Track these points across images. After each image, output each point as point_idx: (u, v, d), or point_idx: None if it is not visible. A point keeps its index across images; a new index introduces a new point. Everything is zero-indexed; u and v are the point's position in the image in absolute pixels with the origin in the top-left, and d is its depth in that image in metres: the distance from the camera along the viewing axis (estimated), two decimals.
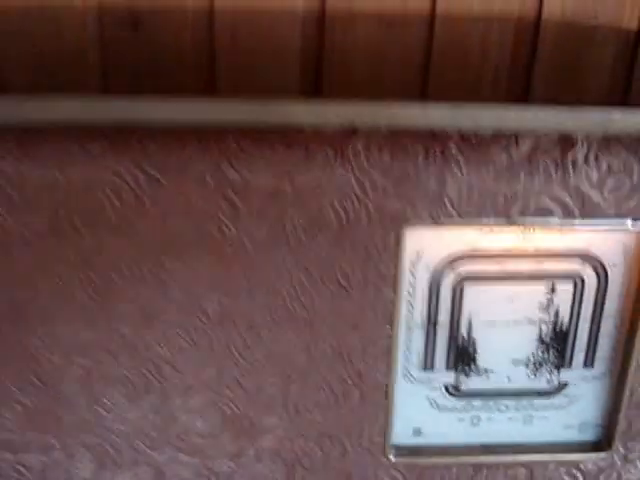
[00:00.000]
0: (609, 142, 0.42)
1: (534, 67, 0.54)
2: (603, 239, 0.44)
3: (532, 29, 0.57)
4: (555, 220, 0.42)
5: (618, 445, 0.48)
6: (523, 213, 0.42)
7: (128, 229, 0.41)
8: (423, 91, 0.50)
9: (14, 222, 0.41)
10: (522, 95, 0.53)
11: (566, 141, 0.42)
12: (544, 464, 0.49)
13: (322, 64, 0.53)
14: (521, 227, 0.43)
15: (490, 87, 0.52)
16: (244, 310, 0.43)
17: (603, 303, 0.46)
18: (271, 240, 0.42)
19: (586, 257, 0.45)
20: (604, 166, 0.42)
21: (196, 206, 0.41)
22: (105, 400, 0.45)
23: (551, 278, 0.45)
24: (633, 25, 0.59)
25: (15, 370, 0.44)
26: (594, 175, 0.42)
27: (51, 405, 0.46)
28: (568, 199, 0.42)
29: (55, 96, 0.40)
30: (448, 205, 0.42)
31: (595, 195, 0.42)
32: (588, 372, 0.47)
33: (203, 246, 0.41)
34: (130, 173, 0.40)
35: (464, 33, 0.55)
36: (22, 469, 0.47)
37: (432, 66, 0.52)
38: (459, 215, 0.42)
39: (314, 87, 0.53)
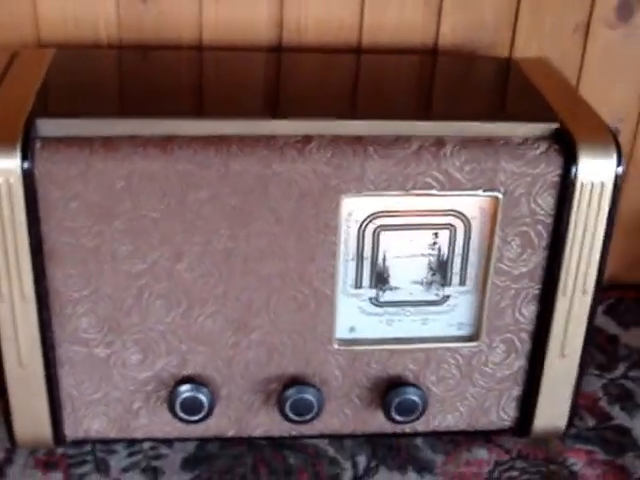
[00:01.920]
0: (466, 142, 0.73)
1: (433, 86, 0.86)
2: (467, 202, 0.75)
3: (431, 58, 0.89)
4: (434, 191, 0.74)
5: (484, 337, 0.80)
6: (414, 187, 0.73)
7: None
8: (353, 106, 0.81)
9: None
10: (425, 107, 0.84)
11: (439, 142, 0.73)
12: (435, 350, 0.80)
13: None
14: (414, 195, 0.74)
15: (401, 102, 0.83)
16: (241, 251, 0.74)
17: (469, 242, 0.77)
18: (257, 207, 0.72)
19: (456, 213, 0.76)
20: (462, 157, 0.73)
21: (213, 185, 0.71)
22: (151, 310, 0.76)
23: (435, 227, 0.76)
24: (505, 53, 0.90)
25: (93, 291, 0.75)
26: (457, 163, 0.73)
27: (115, 314, 0.76)
28: (441, 177, 0.73)
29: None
30: (368, 183, 0.73)
31: (458, 175, 0.73)
32: (462, 288, 0.79)
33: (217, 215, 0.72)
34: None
35: (383, 61, 0.87)
36: (92, 359, 0.78)
37: (359, 87, 0.84)
38: (375, 189, 0.73)
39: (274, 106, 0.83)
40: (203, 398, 0.78)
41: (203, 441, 0.84)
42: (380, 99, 0.82)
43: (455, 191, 0.74)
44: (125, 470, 0.82)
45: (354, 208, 0.74)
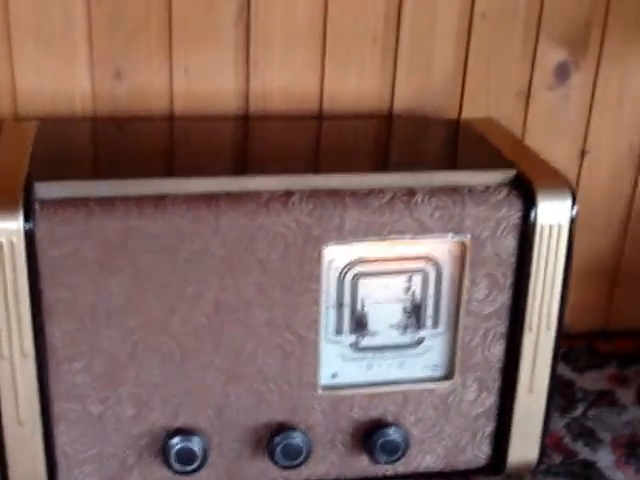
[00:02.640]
0: (434, 190, 0.83)
1: (394, 145, 0.96)
2: (437, 247, 0.84)
3: (387, 121, 0.99)
4: (407, 237, 0.82)
5: (457, 376, 0.88)
6: (389, 234, 0.82)
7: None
8: (323, 163, 0.90)
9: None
10: (390, 163, 0.93)
11: (410, 192, 0.82)
12: (412, 391, 0.88)
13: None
14: (388, 242, 0.83)
15: (366, 159, 0.92)
16: (231, 302, 0.81)
17: (440, 285, 0.86)
18: (245, 258, 0.80)
19: (428, 259, 0.84)
20: (432, 205, 0.82)
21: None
22: (145, 364, 0.82)
23: (408, 272, 0.85)
24: (454, 115, 1.01)
25: (91, 347, 0.81)
26: (427, 210, 0.82)
27: (111, 369, 0.82)
28: (413, 224, 0.82)
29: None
30: (347, 232, 0.81)
31: (428, 221, 0.82)
32: (435, 330, 0.87)
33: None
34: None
35: (344, 125, 0.97)
36: (87, 415, 0.83)
37: (325, 148, 0.93)
38: (354, 237, 0.81)
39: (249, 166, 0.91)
40: (196, 448, 0.84)
41: None
42: (346, 157, 0.91)
43: (426, 236, 0.83)
44: None
45: (334, 257, 0.82)
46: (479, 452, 0.91)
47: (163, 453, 0.84)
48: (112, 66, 0.94)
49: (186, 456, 0.84)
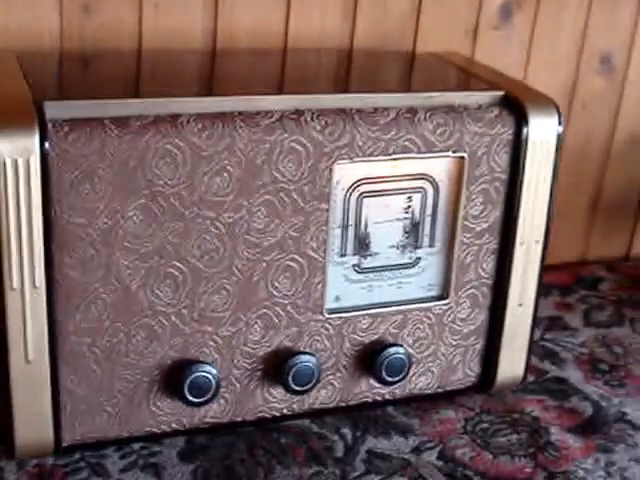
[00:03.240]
0: (434, 109, 0.86)
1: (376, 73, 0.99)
2: (435, 165, 0.88)
3: (347, 56, 1.02)
4: (412, 153, 0.86)
5: (452, 295, 0.92)
6: (395, 152, 0.85)
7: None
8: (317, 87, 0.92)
9: None
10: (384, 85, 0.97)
11: (412, 110, 0.86)
12: (410, 312, 0.91)
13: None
14: (393, 161, 0.86)
15: (361, 82, 0.95)
16: (245, 223, 0.81)
17: (437, 204, 0.90)
18: (259, 177, 0.80)
19: (426, 177, 0.88)
20: (434, 121, 0.86)
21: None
22: (157, 291, 0.81)
23: (409, 191, 0.88)
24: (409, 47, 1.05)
25: (103, 276, 0.79)
26: (430, 126, 0.86)
27: (123, 299, 0.80)
28: (418, 141, 0.86)
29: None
30: (357, 149, 0.83)
31: (432, 138, 0.86)
32: (431, 250, 0.91)
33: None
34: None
35: (306, 59, 0.99)
36: (96, 350, 0.81)
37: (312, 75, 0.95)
38: (363, 155, 0.84)
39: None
40: (210, 377, 0.83)
41: (189, 436, 0.89)
42: (341, 81, 0.94)
43: (429, 153, 0.86)
44: (124, 470, 0.84)
45: (342, 176, 0.85)
46: (469, 371, 0.96)
47: (175, 385, 0.83)
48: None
49: (199, 386, 0.83)
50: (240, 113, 0.80)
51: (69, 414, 0.82)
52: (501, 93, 0.90)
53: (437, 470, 0.88)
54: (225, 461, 0.87)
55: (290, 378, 0.86)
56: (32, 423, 0.80)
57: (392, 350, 0.89)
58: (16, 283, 0.76)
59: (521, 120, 0.88)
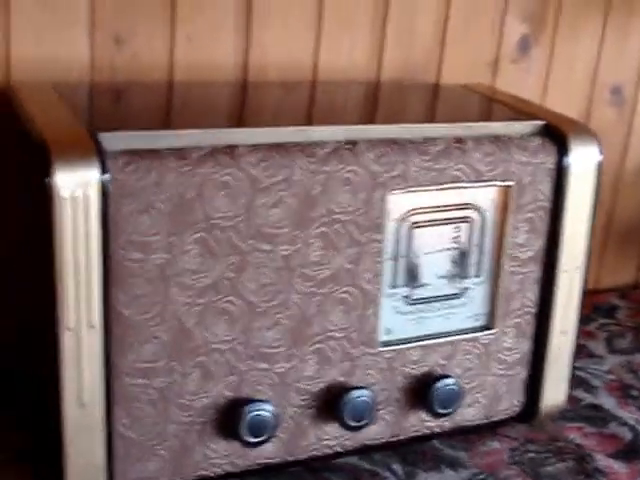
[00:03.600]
0: (480, 139, 0.81)
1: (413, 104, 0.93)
2: (483, 195, 0.82)
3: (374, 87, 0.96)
4: (463, 183, 0.80)
5: (498, 324, 0.86)
6: (445, 181, 0.79)
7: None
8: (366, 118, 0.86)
9: None
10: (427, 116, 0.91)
11: (460, 140, 0.80)
12: (459, 341, 0.84)
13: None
14: (443, 190, 0.79)
15: (403, 113, 0.89)
16: (300, 256, 0.74)
17: (483, 233, 0.83)
18: (315, 208, 0.74)
19: (474, 206, 0.82)
20: (482, 151, 0.80)
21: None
22: (213, 328, 0.73)
23: (457, 221, 0.82)
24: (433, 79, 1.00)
25: (158, 313, 0.71)
26: (478, 155, 0.80)
27: (178, 336, 0.72)
28: (467, 170, 0.79)
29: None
30: (410, 179, 0.77)
31: (481, 167, 0.80)
32: (477, 280, 0.84)
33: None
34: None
35: (333, 91, 0.93)
36: (151, 391, 0.73)
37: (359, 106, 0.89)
38: (415, 185, 0.77)
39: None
40: (268, 416, 0.76)
41: (241, 478, 0.81)
42: (383, 113, 0.87)
43: (479, 182, 0.80)
44: None
45: (393, 207, 0.78)
46: (514, 400, 0.89)
47: (232, 425, 0.75)
48: (112, 31, 0.84)
49: (257, 426, 0.75)
50: (296, 144, 0.74)
51: (121, 460, 0.73)
52: (542, 123, 0.85)
53: None
54: None
55: (346, 414, 0.78)
56: (84, 470, 0.72)
57: (444, 382, 0.82)
58: (72, 323, 0.68)
59: (563, 149, 0.83)
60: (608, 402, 0.97)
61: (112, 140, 0.68)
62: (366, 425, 0.80)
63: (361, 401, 0.79)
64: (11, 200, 0.84)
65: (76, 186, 0.65)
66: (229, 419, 0.75)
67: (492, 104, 0.93)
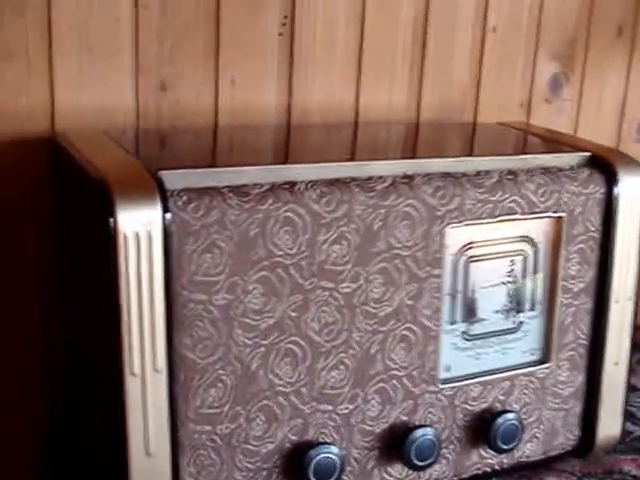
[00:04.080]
0: (531, 171, 0.74)
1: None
2: (535, 227, 0.75)
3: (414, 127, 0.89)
4: (517, 215, 0.72)
5: (553, 359, 0.78)
6: (501, 214, 0.72)
7: None
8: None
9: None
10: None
11: (512, 172, 0.73)
12: (516, 377, 0.76)
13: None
14: (499, 222, 0.72)
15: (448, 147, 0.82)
16: (362, 293, 0.67)
17: (537, 266, 0.76)
18: (376, 243, 0.66)
19: (527, 239, 0.75)
20: (535, 182, 0.73)
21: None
22: (277, 370, 0.65)
23: (511, 255, 0.75)
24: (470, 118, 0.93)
25: (223, 355, 0.63)
26: (531, 187, 0.73)
27: (242, 380, 0.64)
28: (522, 201, 0.72)
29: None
30: (466, 212, 0.70)
31: (534, 198, 0.73)
32: (532, 313, 0.77)
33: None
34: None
35: (375, 131, 0.86)
36: (216, 438, 0.64)
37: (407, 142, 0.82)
38: (472, 217, 0.70)
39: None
40: (335, 459, 0.67)
41: None
42: (435, 148, 0.81)
43: (532, 214, 0.73)
44: None
45: (452, 240, 0.71)
46: (570, 434, 0.80)
47: (299, 469, 0.66)
48: (157, 77, 0.78)
49: (325, 469, 0.67)
50: (353, 179, 0.67)
51: None
52: (588, 154, 0.78)
53: None
54: None
55: (412, 453, 0.70)
56: None
57: (505, 417, 0.74)
58: (137, 367, 0.59)
59: (612, 179, 0.76)
60: None
61: (172, 178, 0.61)
62: (431, 464, 0.71)
63: (426, 439, 0.70)
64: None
65: (139, 225, 0.57)
66: (295, 464, 0.67)
67: (533, 138, 0.86)
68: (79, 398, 0.75)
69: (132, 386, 0.59)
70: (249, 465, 0.65)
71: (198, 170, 0.62)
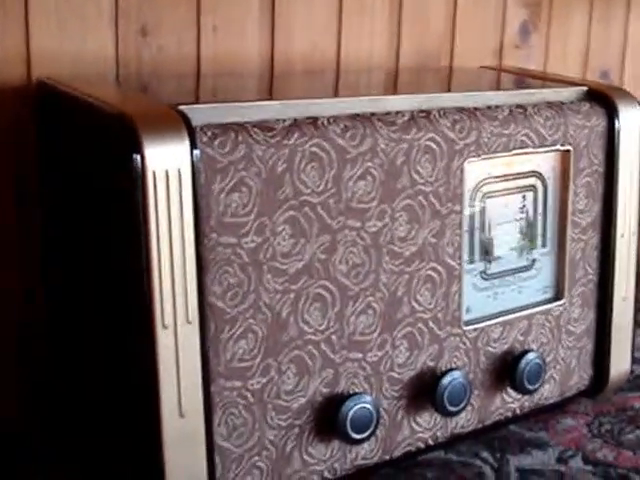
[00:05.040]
0: (538, 105, 0.73)
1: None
2: (544, 162, 0.73)
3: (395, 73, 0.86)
4: (529, 148, 0.71)
5: (565, 296, 0.77)
6: (514, 147, 0.70)
7: None
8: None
9: None
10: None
11: (520, 106, 0.71)
12: (533, 316, 0.75)
13: None
14: (510, 158, 0.71)
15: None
16: (388, 232, 0.64)
17: (546, 201, 0.75)
18: (400, 179, 0.64)
19: (537, 174, 0.74)
20: (543, 115, 0.71)
21: None
22: (307, 317, 0.62)
23: (523, 190, 0.73)
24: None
25: (253, 303, 0.59)
26: (541, 120, 0.71)
27: (273, 329, 0.60)
28: (532, 135, 0.71)
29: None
30: (483, 145, 0.68)
31: (543, 131, 0.72)
32: (544, 250, 0.76)
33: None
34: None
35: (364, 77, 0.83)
36: (247, 394, 0.60)
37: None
38: (488, 151, 0.68)
39: None
40: (371, 409, 0.64)
41: None
42: (432, 86, 0.79)
43: (542, 147, 0.72)
44: None
45: (469, 176, 0.69)
46: (584, 373, 0.79)
47: (334, 423, 0.63)
48: (137, 22, 0.73)
49: (362, 421, 0.64)
50: (373, 114, 0.64)
51: (221, 476, 0.61)
52: (585, 89, 0.78)
53: (593, 475, 0.71)
54: None
55: (445, 398, 0.68)
56: None
57: (529, 357, 0.72)
58: (168, 319, 0.55)
59: (612, 113, 0.76)
60: None
61: (196, 113, 0.56)
62: (463, 409, 0.69)
63: (458, 383, 0.68)
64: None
65: (168, 162, 0.53)
66: (327, 419, 0.63)
67: (526, 77, 0.85)
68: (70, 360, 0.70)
69: (163, 340, 0.55)
70: (281, 422, 0.62)
71: (220, 105, 0.58)
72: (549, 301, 0.76)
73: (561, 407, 0.81)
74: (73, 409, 0.71)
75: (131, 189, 0.53)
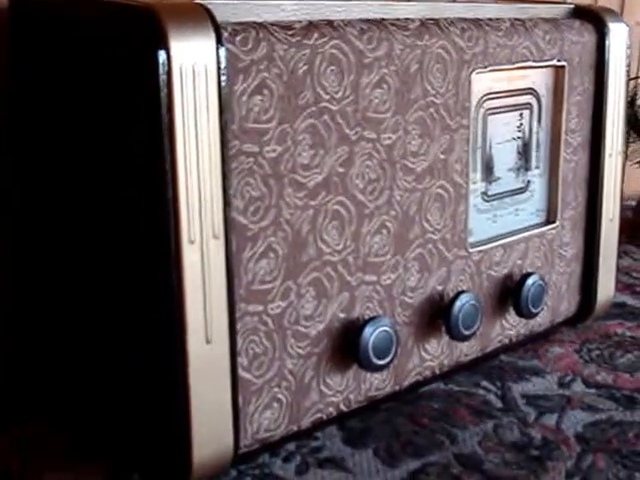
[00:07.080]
0: (534, 19, 0.72)
1: None
2: (540, 79, 0.73)
3: None
4: (530, 61, 0.71)
5: (559, 217, 0.77)
6: (516, 60, 0.70)
7: None
8: None
9: None
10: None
11: (519, 20, 0.71)
12: (530, 239, 0.75)
13: None
14: (514, 69, 0.70)
15: None
16: (401, 145, 0.62)
17: (540, 120, 0.75)
18: (414, 88, 0.62)
19: (532, 92, 0.73)
20: (542, 28, 0.71)
21: None
22: (325, 235, 0.59)
23: (520, 108, 0.73)
24: None
25: (274, 220, 0.56)
26: (540, 33, 0.71)
27: (293, 248, 0.57)
28: (532, 48, 0.71)
29: None
30: (489, 56, 0.67)
31: (542, 44, 0.71)
32: (537, 171, 0.76)
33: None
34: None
35: None
36: (267, 319, 0.57)
37: None
38: (493, 63, 0.67)
39: None
40: (391, 332, 0.62)
41: (343, 420, 0.66)
42: None
43: (542, 61, 0.72)
44: (300, 473, 0.61)
45: (475, 89, 0.67)
46: (572, 299, 0.81)
47: (358, 348, 0.61)
48: None
49: (384, 345, 0.62)
50: (382, 20, 0.62)
51: (242, 410, 0.57)
52: (571, 6, 0.78)
53: (599, 397, 0.72)
54: (400, 437, 0.65)
55: (460, 322, 0.67)
56: (211, 428, 0.55)
57: (532, 279, 0.73)
58: (195, 234, 0.51)
59: (602, 29, 0.76)
60: (624, 299, 0.92)
61: (219, 10, 0.53)
62: (476, 332, 0.68)
63: (471, 306, 0.67)
64: None
65: (194, 58, 0.49)
66: (347, 345, 0.61)
67: None
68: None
69: (189, 256, 0.51)
70: (300, 350, 0.59)
71: (235, 2, 0.54)
72: (542, 225, 0.76)
73: (546, 336, 0.81)
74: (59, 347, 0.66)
75: (154, 88, 0.49)
